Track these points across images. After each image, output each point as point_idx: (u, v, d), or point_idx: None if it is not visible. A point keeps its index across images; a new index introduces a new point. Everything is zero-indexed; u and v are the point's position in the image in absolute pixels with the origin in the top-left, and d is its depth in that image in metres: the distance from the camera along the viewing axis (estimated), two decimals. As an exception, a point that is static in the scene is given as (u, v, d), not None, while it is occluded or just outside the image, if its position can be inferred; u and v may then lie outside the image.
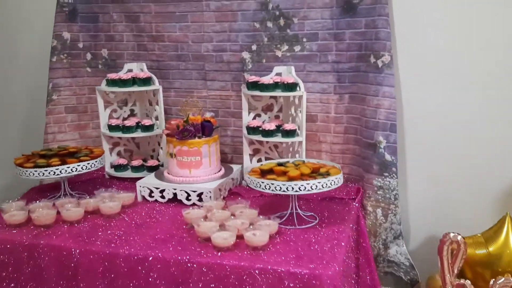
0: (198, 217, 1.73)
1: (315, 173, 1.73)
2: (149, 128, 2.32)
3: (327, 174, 1.71)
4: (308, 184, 1.60)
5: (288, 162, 1.85)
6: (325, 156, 2.29)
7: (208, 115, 2.17)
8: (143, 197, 2.07)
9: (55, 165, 1.92)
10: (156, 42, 2.44)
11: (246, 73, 2.33)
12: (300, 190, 1.61)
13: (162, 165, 2.39)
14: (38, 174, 1.90)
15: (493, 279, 1.78)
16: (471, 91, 2.04)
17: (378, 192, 2.09)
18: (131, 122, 2.31)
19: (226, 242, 1.52)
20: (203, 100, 2.43)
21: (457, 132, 2.09)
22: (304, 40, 2.20)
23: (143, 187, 2.07)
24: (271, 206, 1.88)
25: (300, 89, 2.06)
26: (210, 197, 1.96)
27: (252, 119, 2.25)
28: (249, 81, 2.13)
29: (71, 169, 1.94)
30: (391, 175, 2.06)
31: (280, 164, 1.82)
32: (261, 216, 1.68)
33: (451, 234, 1.80)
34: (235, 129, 2.40)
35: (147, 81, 2.30)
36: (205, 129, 2.07)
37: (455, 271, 1.82)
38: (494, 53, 1.98)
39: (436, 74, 2.09)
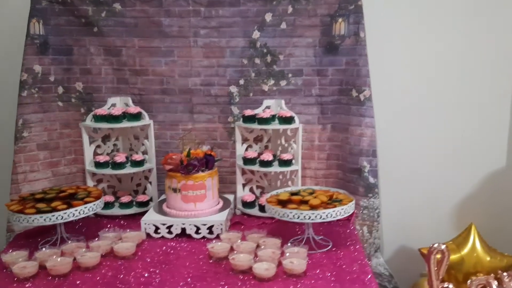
0: (225, 250, 1.78)
1: (330, 200, 1.89)
2: (140, 163, 2.29)
3: (340, 200, 1.89)
4: (333, 211, 1.76)
5: (300, 190, 1.99)
6: (310, 181, 2.47)
7: (205, 148, 2.23)
8: (148, 235, 2.04)
9: (61, 209, 1.82)
10: (139, 76, 2.42)
11: (234, 106, 2.43)
12: (328, 217, 1.76)
13: (151, 200, 2.37)
14: (44, 220, 1.79)
15: (471, 279, 2.10)
16: (432, 120, 2.40)
17: (364, 212, 2.32)
18: (121, 158, 2.26)
19: (269, 273, 1.61)
20: (184, 133, 2.47)
21: (421, 157, 2.43)
22: (290, 75, 2.38)
23: (148, 224, 2.04)
24: (278, 232, 1.98)
25: (295, 122, 2.23)
26: (221, 229, 2.01)
27: (245, 150, 2.35)
28: (246, 114, 2.24)
29: (79, 212, 1.85)
30: (374, 196, 2.31)
31: (294, 194, 1.95)
32: (289, 244, 1.79)
33: (436, 245, 2.09)
34: (217, 159, 2.47)
35: (137, 116, 2.27)
36: (208, 162, 2.13)
37: (441, 277, 2.12)
38: (451, 87, 2.36)
39: (403, 106, 2.41)
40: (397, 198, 2.47)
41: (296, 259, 1.67)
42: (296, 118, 2.23)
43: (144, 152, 2.40)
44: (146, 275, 1.68)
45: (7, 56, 2.49)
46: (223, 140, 2.48)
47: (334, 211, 1.76)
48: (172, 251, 1.90)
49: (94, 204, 1.91)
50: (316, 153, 2.45)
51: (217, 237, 2.00)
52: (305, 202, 1.86)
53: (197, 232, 2.03)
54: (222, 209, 2.15)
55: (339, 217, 1.79)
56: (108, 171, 2.26)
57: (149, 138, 2.32)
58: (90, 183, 2.31)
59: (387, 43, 2.35)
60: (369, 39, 2.28)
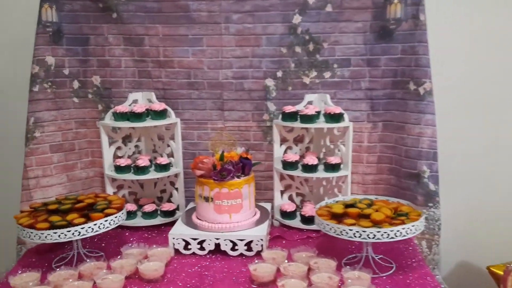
0: (270, 274, 1.49)
1: (395, 213, 1.59)
2: (166, 167, 2.01)
3: (406, 214, 1.58)
4: (403, 229, 1.46)
5: (356, 201, 1.69)
6: (357, 187, 2.16)
7: (240, 150, 1.94)
8: (176, 250, 1.76)
9: (78, 224, 1.54)
10: (163, 68, 2.14)
11: (270, 101, 2.14)
12: (396, 236, 1.46)
13: (178, 209, 2.09)
14: (59, 236, 1.52)
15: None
16: (503, 119, 2.07)
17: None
18: (144, 161, 1.98)
19: (329, 305, 1.32)
20: (216, 133, 2.18)
21: (487, 159, 2.11)
22: (335, 66, 2.08)
23: (176, 238, 1.76)
24: (327, 249, 1.69)
25: (345, 120, 1.93)
26: (262, 245, 1.72)
27: (284, 152, 2.06)
28: (286, 111, 1.95)
29: (99, 227, 1.58)
30: (435, 205, 2.00)
31: (349, 205, 1.65)
32: (348, 267, 1.49)
33: (512, 265, 1.78)
34: (255, 162, 2.18)
35: (162, 113, 1.99)
36: (245, 167, 1.84)
37: (518, 300, 1.80)
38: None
39: (467, 101, 2.10)
40: (458, 207, 2.17)
41: (359, 287, 1.37)
42: (345, 115, 1.93)
43: (170, 155, 2.12)
44: (179, 304, 1.40)
45: (16, 47, 2.25)
46: (257, 141, 2.19)
47: (403, 228, 1.46)
48: (206, 272, 1.61)
49: (116, 217, 1.64)
50: (365, 156, 2.14)
51: (257, 254, 1.72)
52: (365, 216, 1.55)
53: (233, 249, 1.74)
54: (260, 221, 1.86)
55: (409, 236, 1.48)
56: (130, 176, 1.99)
57: (176, 138, 2.04)
58: (110, 189, 2.04)
59: (450, 27, 2.03)
60: (429, 23, 1.96)
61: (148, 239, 1.91)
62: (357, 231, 1.46)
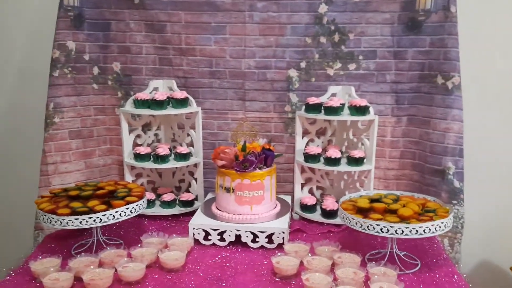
0: (293, 267, 1.46)
1: (422, 209, 1.55)
2: (186, 156, 1.98)
3: (434, 210, 1.54)
4: (432, 225, 1.42)
5: (381, 196, 1.65)
6: (378, 182, 2.12)
7: (262, 141, 1.90)
8: (195, 241, 1.73)
9: (100, 210, 1.52)
10: (184, 56, 2.11)
11: (292, 92, 2.10)
12: (425, 232, 1.42)
13: (196, 199, 2.06)
14: (80, 222, 1.50)
15: None
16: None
17: (445, 221, 1.96)
18: (164, 150, 1.95)
19: (356, 301, 1.28)
20: (238, 122, 2.15)
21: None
22: (360, 57, 2.03)
23: (197, 229, 1.74)
24: (349, 244, 1.64)
25: (370, 113, 1.88)
26: (283, 238, 1.69)
27: (306, 145, 2.02)
28: (310, 102, 1.91)
29: (120, 214, 1.56)
30: (459, 203, 1.95)
31: (374, 200, 1.61)
32: (373, 262, 1.46)
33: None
34: (277, 154, 2.15)
35: (184, 102, 1.96)
36: (267, 159, 1.80)
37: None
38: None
39: (496, 97, 2.04)
40: (482, 205, 2.11)
41: (387, 283, 1.34)
42: (371, 109, 1.89)
43: (189, 144, 2.09)
44: (202, 295, 1.38)
45: (37, 31, 2.23)
46: (278, 132, 2.15)
47: (433, 225, 1.42)
48: (227, 264, 1.59)
49: (137, 205, 1.62)
50: (388, 151, 2.10)
51: (278, 247, 1.69)
52: (391, 212, 1.52)
53: (253, 240, 1.72)
54: (280, 214, 1.83)
55: (438, 233, 1.44)
56: (150, 164, 1.96)
57: (197, 128, 2.01)
58: (129, 177, 2.02)
59: (481, 20, 1.97)
60: (460, 15, 1.90)
61: (166, 229, 1.89)
62: (384, 226, 1.42)
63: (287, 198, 2.02)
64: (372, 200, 1.60)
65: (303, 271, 1.42)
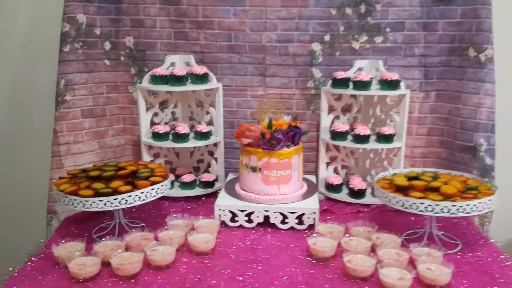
0: (331, 249, 1.39)
1: (464, 187, 1.48)
2: (206, 135, 1.89)
3: (475, 188, 1.47)
4: (480, 203, 1.35)
5: (418, 174, 1.57)
6: (404, 161, 2.04)
7: (287, 118, 1.81)
8: (222, 223, 1.66)
9: (125, 191, 1.43)
10: (201, 30, 2.00)
11: (315, 67, 2.00)
12: (472, 210, 1.35)
13: (217, 180, 1.98)
14: (105, 204, 1.41)
15: None
16: None
17: (475, 199, 1.90)
18: (184, 128, 1.86)
19: (404, 284, 1.21)
20: (258, 100, 2.06)
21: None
22: (388, 30, 1.93)
23: (223, 210, 1.66)
24: (382, 224, 1.57)
25: (401, 88, 1.79)
26: (314, 218, 1.62)
27: (331, 122, 1.94)
28: (338, 77, 1.82)
29: (146, 195, 1.47)
30: (491, 180, 1.88)
31: (412, 178, 1.54)
32: (415, 243, 1.39)
33: None
34: (304, 132, 2.06)
35: (204, 77, 1.86)
36: (295, 136, 1.72)
37: None
38: None
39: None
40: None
41: (434, 264, 1.27)
42: (402, 83, 1.80)
43: (208, 123, 2.00)
44: (240, 278, 1.30)
45: (44, 2, 2.09)
46: (299, 110, 2.06)
47: (480, 203, 1.35)
48: (258, 247, 1.51)
49: (162, 185, 1.53)
50: (415, 127, 2.02)
51: (308, 228, 1.62)
52: (432, 189, 1.44)
53: (282, 222, 1.64)
54: (308, 193, 1.76)
55: (484, 211, 1.37)
56: (169, 144, 1.87)
57: (217, 105, 1.92)
58: (146, 157, 1.92)
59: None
60: (494, -16, 1.81)
61: (189, 210, 1.81)
62: (429, 205, 1.35)
63: (311, 178, 1.95)
64: (410, 178, 1.53)
65: (343, 252, 1.35)
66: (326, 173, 1.97)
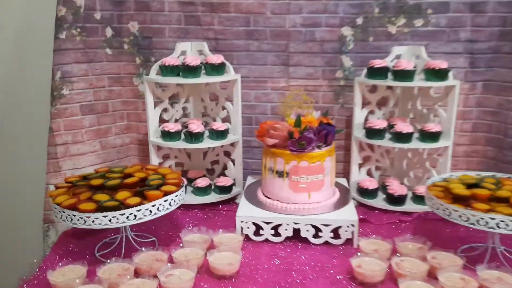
0: (381, 272, 1.17)
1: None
2: (223, 134, 1.66)
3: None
4: None
5: (479, 180, 1.34)
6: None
7: (316, 114, 1.58)
8: (244, 235, 1.43)
9: (133, 205, 1.20)
10: (216, 13, 1.75)
11: (345, 55, 1.76)
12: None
13: (234, 184, 1.75)
14: (110, 220, 1.18)
15: None
16: None
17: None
18: (198, 126, 1.62)
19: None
20: (280, 93, 1.83)
21: None
22: (429, 11, 1.69)
23: (246, 222, 1.43)
24: (428, 237, 1.35)
25: (449, 78, 1.55)
26: (353, 232, 1.39)
27: (365, 118, 1.70)
28: (375, 66, 1.58)
29: (158, 209, 1.24)
30: (547, 183, 1.65)
31: (471, 185, 1.30)
32: (483, 265, 1.16)
33: None
34: (338, 130, 1.82)
35: (220, 68, 1.62)
36: (328, 135, 1.48)
37: None
38: None
39: None
40: None
41: (510, 294, 1.05)
42: (451, 73, 1.56)
43: (224, 120, 1.77)
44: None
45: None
46: (326, 103, 1.83)
47: None
48: (289, 267, 1.28)
49: (177, 196, 1.30)
50: (458, 123, 1.77)
51: (346, 243, 1.40)
52: (498, 199, 1.21)
53: (315, 235, 1.41)
54: (342, 201, 1.53)
55: None
56: (181, 144, 1.64)
57: (235, 99, 1.68)
58: (155, 159, 1.69)
59: None
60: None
61: (204, 221, 1.59)
62: (502, 221, 1.12)
63: (342, 181, 1.72)
64: (469, 185, 1.29)
65: (397, 277, 1.13)
66: (359, 176, 1.74)
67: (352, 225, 1.39)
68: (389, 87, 1.71)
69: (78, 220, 1.18)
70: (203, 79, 1.61)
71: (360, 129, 1.68)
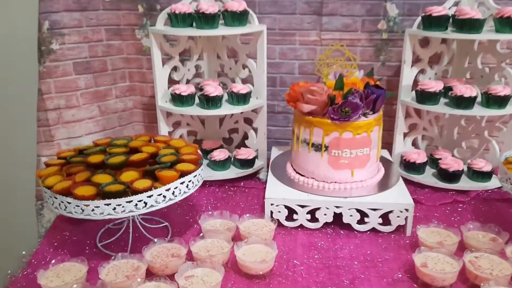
0: (453, 274, 0.94)
1: None
2: (245, 98, 1.39)
3: None
4: None
5: None
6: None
7: (358, 74, 1.30)
8: (275, 221, 1.19)
9: (143, 189, 0.95)
10: (234, -51, 1.44)
11: (390, 2, 1.47)
12: None
13: (257, 157, 1.50)
14: (114, 209, 0.93)
15: None
16: None
17: None
18: (216, 89, 1.35)
19: None
20: (311, 47, 1.54)
21: None
22: None
23: (276, 205, 1.19)
24: (489, 220, 1.12)
25: (526, 28, 1.27)
26: (406, 218, 1.16)
27: (415, 78, 1.43)
28: (434, 14, 1.28)
29: (174, 193, 0.99)
30: None
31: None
32: None
33: None
34: (388, 93, 1.55)
35: (242, 17, 1.33)
36: (377, 100, 1.21)
37: None
38: None
39: None
40: None
41: None
42: (528, 23, 1.27)
43: (244, 81, 1.50)
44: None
45: None
46: (365, 61, 1.55)
47: None
48: (333, 262, 1.06)
49: (195, 177, 1.05)
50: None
51: (397, 230, 1.16)
52: None
53: (360, 221, 1.18)
54: (388, 179, 1.28)
55: None
56: (195, 110, 1.37)
57: (259, 56, 1.39)
58: (164, 128, 1.43)
59: None
60: None
61: (224, 200, 1.35)
62: None
63: (384, 153, 1.47)
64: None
65: (474, 278, 0.90)
66: (404, 147, 1.48)
67: (406, 210, 1.15)
68: (444, 41, 1.42)
69: (74, 208, 0.94)
70: (222, 30, 1.32)
71: (407, 92, 1.40)
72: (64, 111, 1.49)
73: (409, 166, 1.43)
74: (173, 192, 0.99)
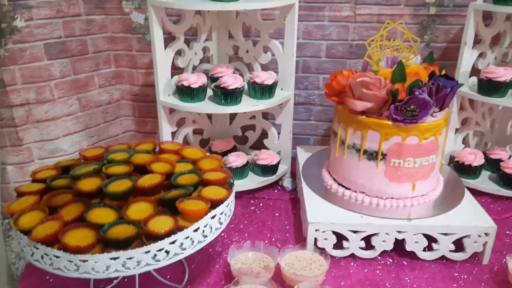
0: None
1: None
2: (269, 90, 1.10)
3: None
4: None
5: None
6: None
7: (415, 60, 1.04)
8: (328, 256, 0.93)
9: (167, 233, 0.67)
10: None
11: (442, -30, 1.20)
12: None
13: (280, 161, 1.23)
14: (124, 265, 0.65)
15: None
16: None
17: None
18: (235, 80, 1.05)
19: None
20: (343, 24, 1.27)
21: None
22: None
23: (322, 231, 0.93)
24: None
25: None
26: (485, 243, 0.93)
27: (474, 64, 1.18)
28: (512, -15, 1.03)
29: (204, 233, 0.72)
30: None
31: None
32: None
33: None
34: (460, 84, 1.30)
35: (268, -15, 1.03)
36: (447, 95, 0.96)
37: None
38: None
39: None
40: None
41: None
42: None
43: (264, 67, 1.21)
44: None
45: None
46: (408, 42, 1.27)
47: None
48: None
49: (228, 206, 0.77)
50: None
51: (471, 258, 0.93)
52: None
53: (427, 247, 0.94)
54: (452, 193, 1.04)
55: None
56: (209, 106, 1.07)
57: (287, 35, 1.10)
58: (167, 128, 1.13)
59: None
60: None
61: (247, 219, 1.09)
62: None
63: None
64: None
65: None
66: (454, 145, 1.25)
67: (486, 234, 0.92)
68: (508, 18, 1.17)
69: (65, 264, 0.65)
70: (242, 3, 1.01)
71: (465, 81, 1.16)
72: (34, 107, 1.17)
73: (462, 169, 1.19)
74: (203, 231, 0.71)
